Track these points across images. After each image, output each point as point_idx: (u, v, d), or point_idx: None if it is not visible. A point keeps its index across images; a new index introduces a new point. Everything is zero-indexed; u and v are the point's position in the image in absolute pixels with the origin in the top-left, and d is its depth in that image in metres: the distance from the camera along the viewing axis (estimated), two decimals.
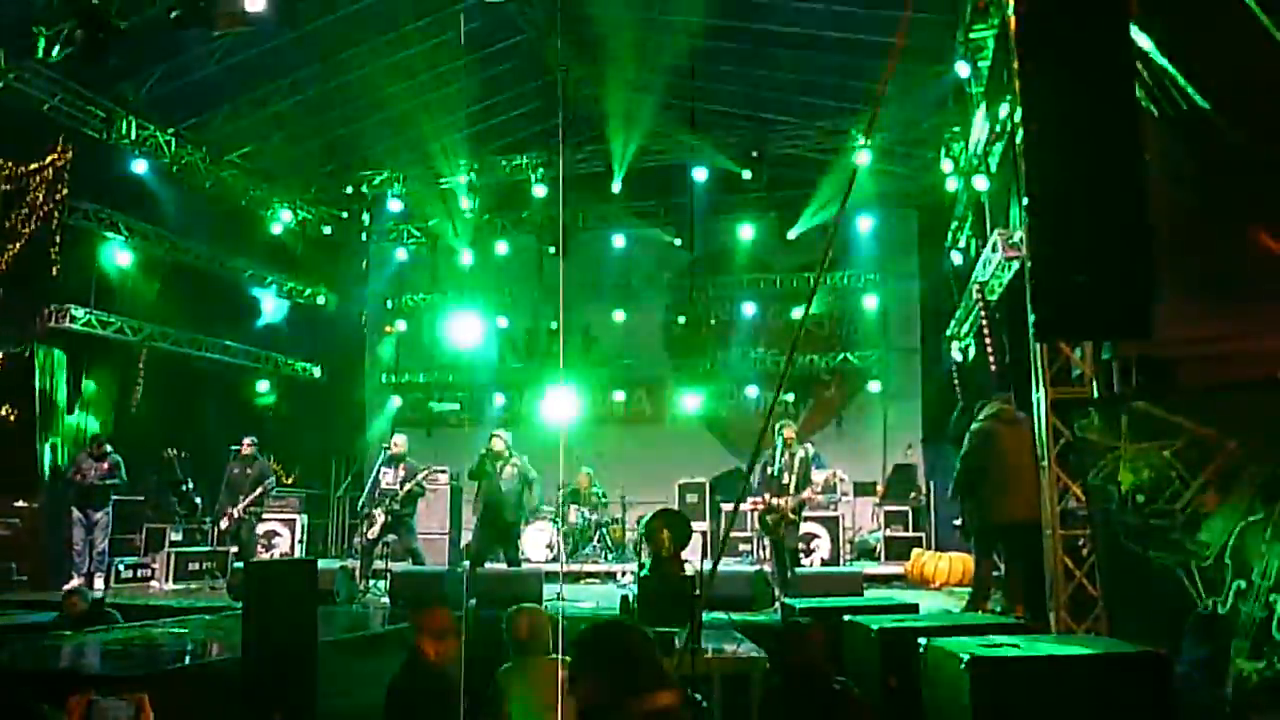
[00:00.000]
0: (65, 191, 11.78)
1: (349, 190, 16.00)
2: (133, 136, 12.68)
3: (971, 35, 9.65)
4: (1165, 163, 5.13)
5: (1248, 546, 4.16)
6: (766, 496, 9.92)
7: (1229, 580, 4.26)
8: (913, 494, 13.66)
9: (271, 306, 15.85)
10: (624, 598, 6.53)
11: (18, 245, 11.69)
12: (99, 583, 11.21)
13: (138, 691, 3.74)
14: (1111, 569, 5.67)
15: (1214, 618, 4.38)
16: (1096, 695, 4.18)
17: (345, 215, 16.56)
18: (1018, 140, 6.94)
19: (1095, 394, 6.63)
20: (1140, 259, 5.29)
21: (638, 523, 12.39)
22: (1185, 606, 4.56)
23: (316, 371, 16.61)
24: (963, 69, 10.17)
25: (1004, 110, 8.55)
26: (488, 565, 10.47)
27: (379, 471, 10.98)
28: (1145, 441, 5.01)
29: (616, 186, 14.85)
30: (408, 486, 10.76)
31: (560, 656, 5.50)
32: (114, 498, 11.48)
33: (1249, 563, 4.13)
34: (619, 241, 16.63)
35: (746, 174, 14.38)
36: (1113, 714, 4.14)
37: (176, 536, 12.32)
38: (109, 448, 11.47)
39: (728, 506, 13.46)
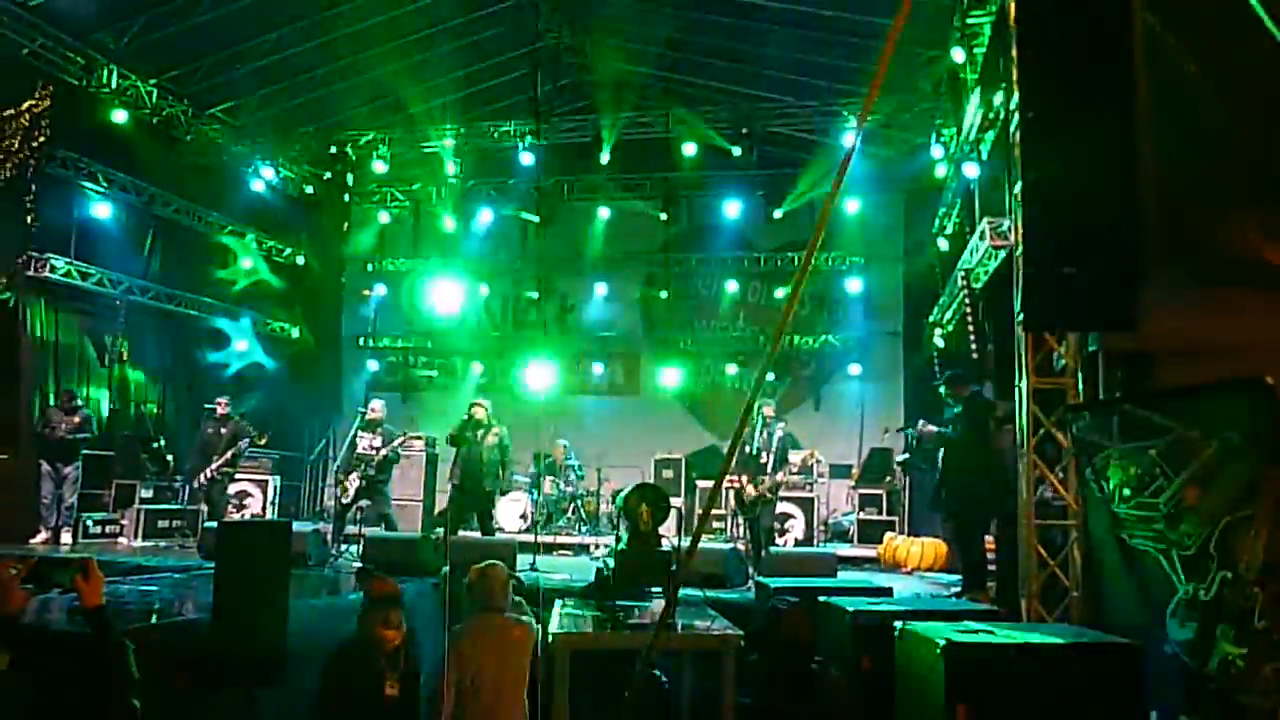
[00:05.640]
0: (43, 139, 11.53)
1: (332, 150, 15.79)
2: (113, 85, 12.43)
3: (968, 21, 9.62)
4: (1161, 155, 5.14)
5: (1233, 540, 4.23)
6: (743, 477, 9.95)
7: (1214, 570, 4.35)
8: (888, 478, 13.68)
9: (250, 264, 15.63)
10: (599, 569, 6.55)
11: None
12: (66, 537, 11.11)
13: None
14: (1099, 558, 5.80)
15: (1196, 602, 4.48)
16: (1068, 682, 4.25)
17: (328, 175, 16.32)
18: (1012, 128, 6.93)
19: (1080, 385, 6.65)
20: (1129, 253, 5.30)
21: (612, 496, 12.38)
22: (1169, 592, 4.67)
23: (295, 332, 16.44)
24: (958, 55, 10.12)
25: (998, 98, 8.52)
26: (461, 533, 10.45)
27: (355, 435, 10.90)
28: (1133, 441, 5.10)
29: (605, 158, 14.77)
30: (383, 452, 10.71)
31: (512, 615, 5.49)
32: (84, 452, 11.36)
33: (1234, 555, 4.21)
34: (603, 213, 16.52)
35: (735, 150, 14.26)
36: (1084, 700, 4.22)
37: (147, 494, 12.17)
38: (79, 401, 11.30)
39: (703, 483, 13.46)
